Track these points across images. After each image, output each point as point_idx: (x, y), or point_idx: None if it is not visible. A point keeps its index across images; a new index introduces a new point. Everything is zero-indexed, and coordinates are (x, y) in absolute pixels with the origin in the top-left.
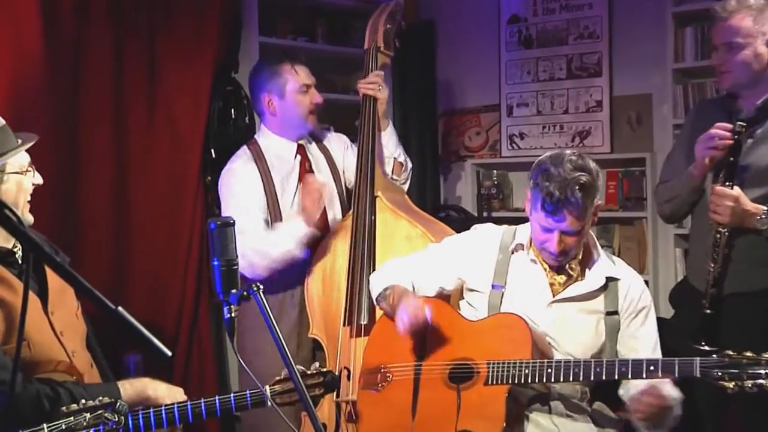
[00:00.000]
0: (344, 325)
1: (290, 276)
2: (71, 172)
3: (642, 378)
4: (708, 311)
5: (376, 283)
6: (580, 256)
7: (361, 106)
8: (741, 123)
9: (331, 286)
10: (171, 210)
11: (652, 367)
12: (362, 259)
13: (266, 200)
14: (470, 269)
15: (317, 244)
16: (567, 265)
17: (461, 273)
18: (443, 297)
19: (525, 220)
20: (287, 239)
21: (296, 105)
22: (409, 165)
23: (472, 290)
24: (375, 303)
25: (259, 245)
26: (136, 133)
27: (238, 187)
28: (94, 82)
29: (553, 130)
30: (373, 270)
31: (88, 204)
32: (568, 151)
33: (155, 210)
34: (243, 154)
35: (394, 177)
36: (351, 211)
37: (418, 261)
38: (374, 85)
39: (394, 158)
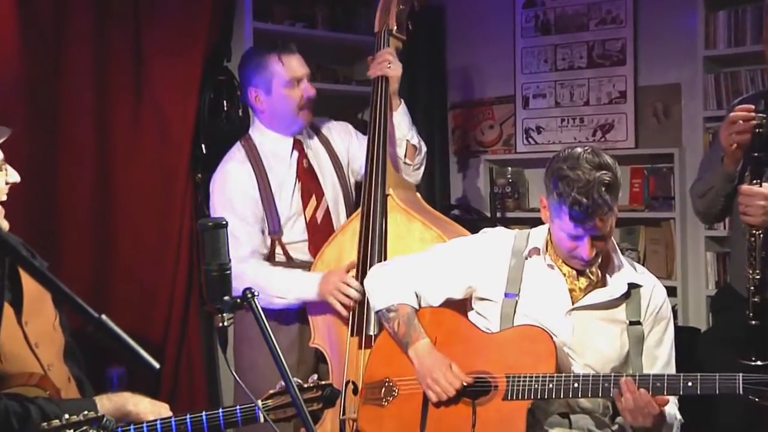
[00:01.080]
0: (352, 335)
1: None
2: (49, 169)
3: (678, 394)
4: (753, 322)
5: (377, 292)
6: (600, 259)
7: (372, 91)
8: (762, 115)
9: None
10: (158, 210)
11: (690, 383)
12: (371, 261)
13: (263, 207)
14: (481, 276)
15: (321, 245)
16: (587, 269)
17: (471, 281)
18: (452, 305)
19: (541, 221)
20: (291, 295)
21: (284, 101)
22: (424, 148)
23: (482, 299)
24: (375, 313)
25: (259, 278)
26: (120, 127)
27: (232, 192)
28: (75, 71)
29: (572, 124)
30: None
31: (68, 204)
32: (579, 149)
33: (141, 210)
34: (237, 152)
35: (407, 161)
36: (359, 210)
37: (424, 267)
38: (384, 63)
39: (407, 140)
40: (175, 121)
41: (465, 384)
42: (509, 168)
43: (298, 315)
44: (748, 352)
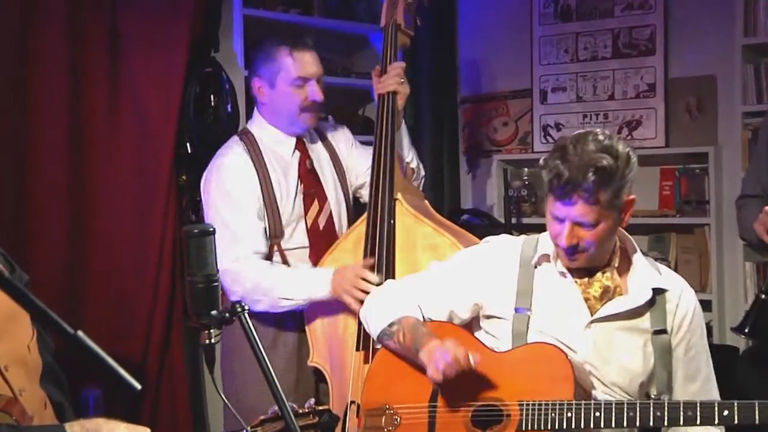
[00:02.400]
0: (357, 349)
1: None
2: (17, 169)
3: (713, 425)
4: None
5: (375, 316)
6: (616, 264)
7: (379, 100)
8: None
9: (338, 304)
10: (138, 215)
11: (726, 412)
12: (378, 272)
13: (264, 205)
14: (487, 292)
15: (322, 253)
16: (601, 274)
17: (477, 297)
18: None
19: None
20: (300, 295)
21: (287, 99)
22: (422, 172)
23: (490, 317)
24: (376, 340)
25: (266, 285)
26: (95, 124)
27: (232, 184)
28: (46, 62)
29: (595, 120)
30: None
31: (37, 208)
32: (598, 131)
33: (119, 215)
34: (235, 145)
35: None
36: (364, 216)
37: (423, 286)
38: (396, 78)
39: (406, 163)
40: (156, 118)
41: (471, 360)
42: (525, 169)
43: (297, 324)
44: None
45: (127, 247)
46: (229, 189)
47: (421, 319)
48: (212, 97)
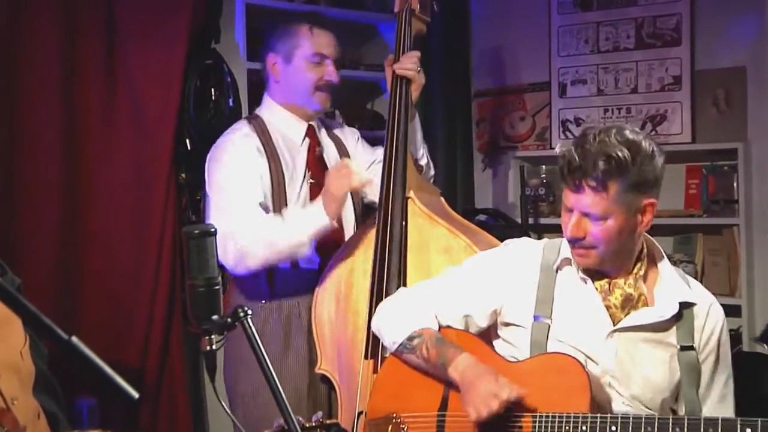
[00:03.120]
0: (366, 357)
1: (296, 288)
2: (6, 168)
3: None
4: None
5: (390, 327)
6: (641, 272)
7: (392, 89)
8: None
9: (347, 309)
10: (135, 215)
11: (749, 430)
12: (388, 275)
13: (270, 182)
14: (506, 298)
15: (329, 254)
16: (623, 281)
17: (495, 303)
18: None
19: None
20: (301, 228)
21: (303, 75)
22: (432, 171)
23: (508, 324)
24: (393, 352)
25: (262, 230)
26: (90, 120)
27: (235, 159)
28: (38, 54)
29: (617, 114)
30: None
31: (29, 209)
32: (629, 126)
33: (115, 215)
34: (242, 125)
35: None
36: (377, 215)
37: (438, 292)
38: (413, 66)
39: (416, 160)
40: (154, 113)
41: (512, 397)
42: (544, 166)
43: (308, 326)
44: None
45: (124, 248)
46: (233, 162)
47: (438, 329)
48: (213, 90)
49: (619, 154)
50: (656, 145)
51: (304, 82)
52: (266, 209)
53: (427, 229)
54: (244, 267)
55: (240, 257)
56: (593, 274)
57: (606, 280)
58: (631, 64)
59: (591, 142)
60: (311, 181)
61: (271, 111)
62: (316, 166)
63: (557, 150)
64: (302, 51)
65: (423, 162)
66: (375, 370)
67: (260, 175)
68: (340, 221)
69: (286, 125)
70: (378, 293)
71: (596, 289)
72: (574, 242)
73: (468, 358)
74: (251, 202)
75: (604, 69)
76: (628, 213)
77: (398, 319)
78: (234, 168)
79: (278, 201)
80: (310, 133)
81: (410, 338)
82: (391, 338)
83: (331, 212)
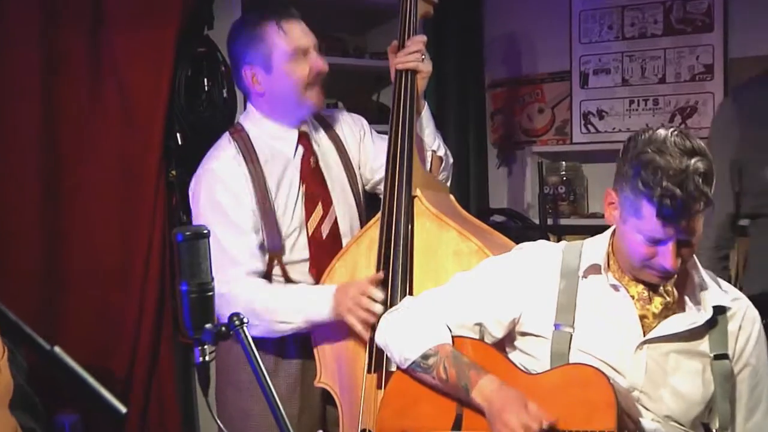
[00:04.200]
0: (369, 372)
1: None
2: None
3: None
4: None
5: (400, 343)
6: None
7: (395, 82)
8: None
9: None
10: (122, 216)
11: None
12: (393, 282)
13: (261, 218)
14: (524, 306)
15: (323, 268)
16: (662, 288)
17: (513, 312)
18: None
19: (604, 229)
20: (299, 316)
21: (289, 78)
22: (450, 160)
23: (525, 334)
24: (404, 370)
25: (260, 308)
26: (73, 111)
27: (225, 197)
28: (15, 40)
29: (644, 107)
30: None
31: (6, 208)
32: (662, 131)
33: (100, 216)
34: (226, 146)
35: None
36: (378, 216)
37: (450, 302)
38: (417, 54)
39: (432, 151)
40: (142, 105)
41: (544, 427)
42: (563, 163)
43: (300, 348)
44: None
45: (109, 251)
46: (219, 200)
47: (451, 342)
48: (205, 81)
49: (704, 166)
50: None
51: (294, 84)
52: (263, 249)
53: (435, 231)
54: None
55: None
56: (628, 280)
57: (643, 286)
58: (659, 52)
59: (667, 166)
60: (305, 195)
61: (256, 123)
62: (311, 178)
63: (629, 190)
64: (279, 53)
65: (441, 153)
66: (379, 386)
67: (252, 210)
68: (336, 230)
69: (274, 137)
70: (382, 301)
71: (632, 297)
72: (674, 272)
73: (492, 382)
74: (249, 255)
75: (629, 57)
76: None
77: (408, 334)
78: (227, 214)
79: (269, 229)
80: (303, 141)
81: (425, 356)
82: (401, 355)
83: (338, 311)
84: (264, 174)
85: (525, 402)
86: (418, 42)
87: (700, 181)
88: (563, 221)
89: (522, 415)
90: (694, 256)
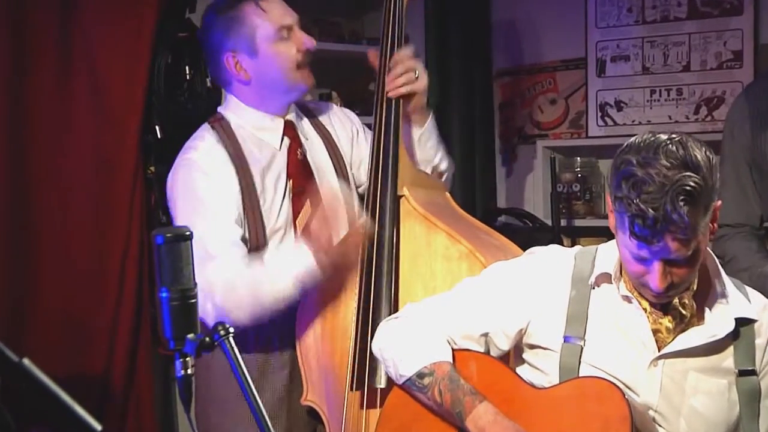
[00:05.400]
0: (351, 389)
1: (276, 319)
2: None
3: None
4: None
5: (397, 356)
6: (695, 286)
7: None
8: None
9: (334, 333)
10: (96, 216)
11: None
12: (378, 292)
13: (244, 210)
14: (532, 317)
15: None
16: (677, 300)
17: (520, 323)
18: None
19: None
20: (286, 277)
21: (277, 60)
22: (452, 169)
23: (534, 346)
24: (400, 386)
25: (243, 289)
26: (41, 102)
27: (205, 187)
28: None
29: (666, 97)
30: (394, 309)
31: None
32: (663, 136)
33: (72, 215)
34: (207, 135)
35: None
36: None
37: (452, 312)
38: (407, 75)
39: (432, 166)
40: (118, 95)
41: None
42: (578, 158)
43: (287, 365)
44: None
45: (82, 254)
46: (199, 190)
47: (452, 358)
48: (187, 69)
49: (692, 184)
50: (700, 143)
51: (283, 65)
52: (246, 242)
53: (423, 234)
54: (230, 323)
55: (221, 318)
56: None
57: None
58: (683, 37)
59: (647, 180)
60: (293, 192)
61: (238, 113)
62: (299, 173)
63: (617, 193)
64: (263, 33)
65: (443, 167)
66: (362, 405)
67: (235, 204)
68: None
69: (258, 127)
70: (365, 311)
71: (646, 309)
72: (663, 293)
73: (487, 412)
74: (230, 246)
75: (650, 43)
76: (706, 231)
77: (405, 348)
78: (207, 204)
79: (253, 224)
80: (289, 131)
81: (420, 375)
82: (396, 371)
83: (317, 254)
84: (248, 165)
85: None
86: (404, 60)
87: (681, 200)
88: (578, 222)
89: None
90: (717, 262)
